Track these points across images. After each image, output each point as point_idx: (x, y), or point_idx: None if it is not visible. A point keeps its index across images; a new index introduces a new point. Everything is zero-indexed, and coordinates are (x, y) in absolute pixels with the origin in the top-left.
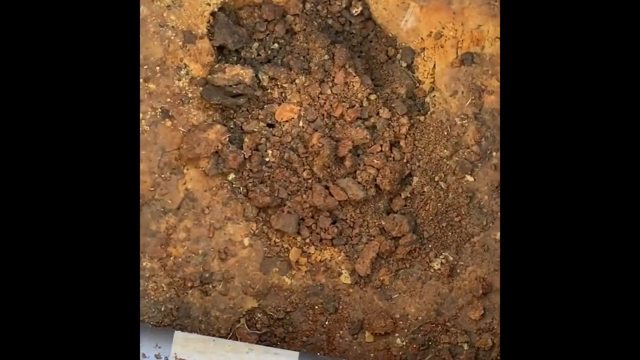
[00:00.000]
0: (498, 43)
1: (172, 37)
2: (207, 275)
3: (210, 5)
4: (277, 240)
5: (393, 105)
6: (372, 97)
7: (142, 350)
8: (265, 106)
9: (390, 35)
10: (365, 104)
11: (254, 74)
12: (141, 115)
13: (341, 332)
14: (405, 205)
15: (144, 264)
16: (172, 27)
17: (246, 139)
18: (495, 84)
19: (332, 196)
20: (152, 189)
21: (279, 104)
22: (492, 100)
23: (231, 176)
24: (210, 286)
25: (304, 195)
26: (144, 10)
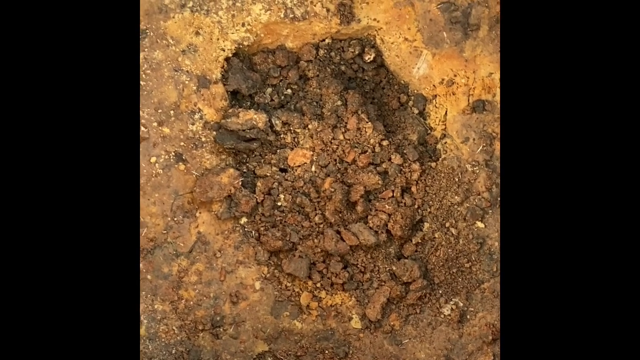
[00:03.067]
0: None
1: (187, 82)
2: (218, 318)
3: (224, 50)
4: (288, 284)
5: (405, 151)
6: (384, 143)
7: None
8: (278, 151)
9: (402, 82)
10: (377, 149)
11: (267, 119)
12: (155, 158)
13: None
14: (416, 251)
15: (156, 306)
16: (187, 71)
17: (259, 183)
18: None
19: (344, 241)
20: (165, 231)
21: (292, 149)
22: None
23: (243, 220)
24: (221, 329)
25: (315, 240)
26: (158, 54)
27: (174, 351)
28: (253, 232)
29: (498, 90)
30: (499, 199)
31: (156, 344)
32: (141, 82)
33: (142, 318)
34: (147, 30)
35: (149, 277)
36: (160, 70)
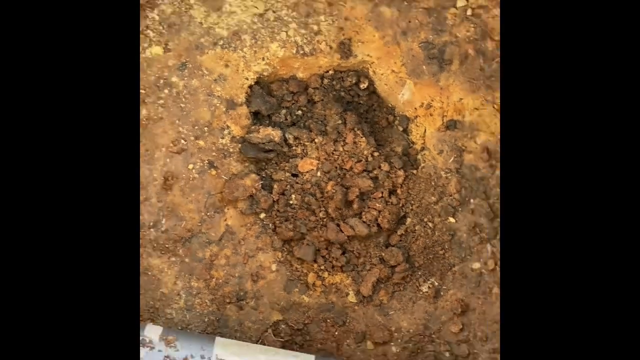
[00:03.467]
0: (476, 112)
1: (218, 104)
2: (241, 293)
3: (248, 79)
4: (298, 266)
5: (392, 160)
6: (375, 154)
7: (190, 352)
8: (290, 160)
9: (390, 105)
10: (369, 159)
11: (282, 135)
12: (192, 165)
13: (348, 341)
14: (400, 240)
15: (192, 284)
16: (218, 96)
17: (275, 186)
18: (473, 145)
19: (343, 232)
20: (200, 224)
21: (301, 158)
22: (471, 158)
23: (262, 215)
24: (244, 302)
25: (320, 231)
26: (195, 82)
27: (206, 320)
28: (270, 224)
29: (467, 112)
30: (467, 199)
31: (192, 314)
32: (181, 105)
33: (181, 293)
34: (187, 63)
35: (186, 260)
36: (197, 95)
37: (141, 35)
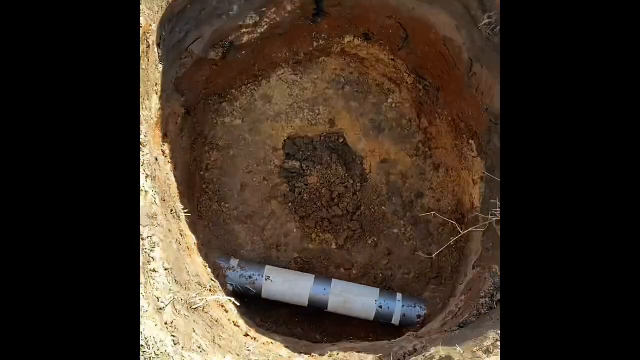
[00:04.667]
0: (396, 155)
1: (268, 148)
2: (278, 243)
3: (284, 136)
4: (307, 230)
5: (354, 178)
6: (346, 174)
7: (252, 272)
8: (304, 177)
9: (354, 150)
10: (343, 177)
11: (300, 165)
12: (255, 179)
13: (331, 268)
14: (358, 217)
15: (254, 238)
16: (268, 144)
17: (296, 190)
18: (394, 171)
19: (329, 213)
20: (258, 208)
21: (309, 176)
22: (394, 177)
23: (289, 205)
24: (281, 247)
25: (319, 213)
26: (257, 138)
27: (261, 256)
28: (294, 209)
29: (392, 155)
30: (393, 198)
31: (254, 253)
32: (250, 149)
33: (248, 242)
34: (253, 129)
35: (252, 226)
36: (258, 145)
37: (228, 114)
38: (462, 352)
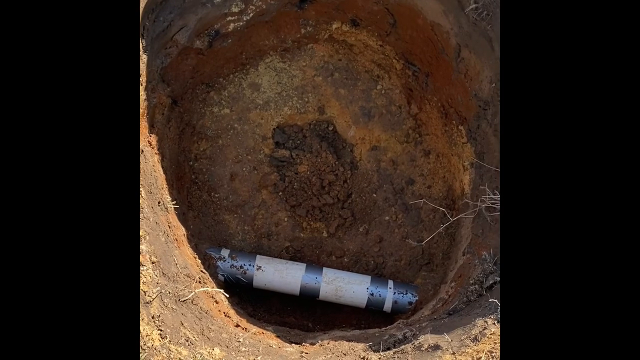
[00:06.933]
0: (386, 142)
1: (257, 137)
2: (269, 232)
3: (273, 125)
4: (298, 218)
5: (344, 166)
6: (336, 162)
7: (243, 262)
8: (294, 166)
9: (344, 138)
10: (333, 165)
11: (290, 153)
12: (245, 168)
13: (322, 256)
14: (349, 205)
15: (245, 227)
16: (257, 133)
17: (286, 179)
18: (385, 158)
19: (320, 201)
20: (249, 198)
21: (299, 165)
22: (384, 165)
23: (280, 194)
24: (272, 236)
25: (309, 201)
26: (245, 126)
27: (252, 245)
28: (284, 197)
29: (382, 142)
30: (383, 185)
31: (244, 243)
32: (239, 138)
33: (239, 232)
34: (242, 117)
35: (242, 215)
36: (247, 133)
37: (216, 103)
38: (450, 340)
